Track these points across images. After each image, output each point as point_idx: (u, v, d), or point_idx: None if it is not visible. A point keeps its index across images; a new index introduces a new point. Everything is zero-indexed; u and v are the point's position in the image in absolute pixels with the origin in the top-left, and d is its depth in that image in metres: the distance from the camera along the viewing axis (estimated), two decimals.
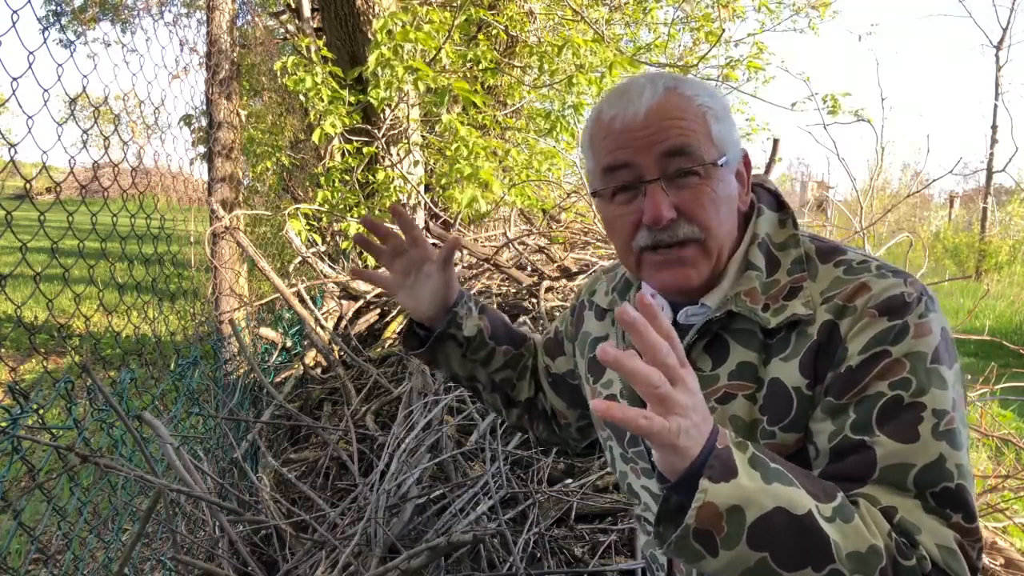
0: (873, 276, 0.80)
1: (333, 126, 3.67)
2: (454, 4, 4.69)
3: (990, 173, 14.96)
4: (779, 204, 0.92)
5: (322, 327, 3.08)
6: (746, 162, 0.90)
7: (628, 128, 0.82)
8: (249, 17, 7.93)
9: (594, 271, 3.31)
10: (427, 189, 4.26)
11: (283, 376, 3.07)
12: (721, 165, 0.83)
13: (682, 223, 0.82)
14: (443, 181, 3.92)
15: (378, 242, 1.10)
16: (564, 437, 1.21)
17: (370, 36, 3.80)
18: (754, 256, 0.86)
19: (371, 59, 3.55)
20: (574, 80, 4.45)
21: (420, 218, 4.17)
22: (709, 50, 6.53)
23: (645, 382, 0.61)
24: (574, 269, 3.44)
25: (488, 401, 1.19)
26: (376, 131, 3.90)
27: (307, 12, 5.07)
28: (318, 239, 3.87)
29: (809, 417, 0.80)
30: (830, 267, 0.83)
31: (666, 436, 0.62)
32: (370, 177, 3.94)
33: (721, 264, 0.86)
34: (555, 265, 3.56)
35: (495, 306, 3.13)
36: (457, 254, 3.75)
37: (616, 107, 0.84)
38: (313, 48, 3.86)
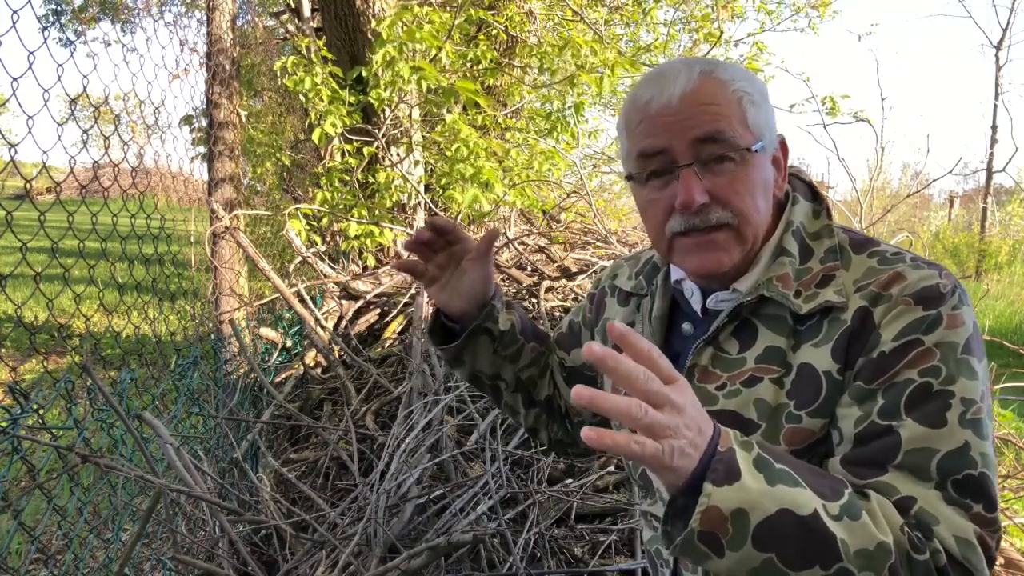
0: (908, 266, 0.80)
1: (333, 126, 3.67)
2: (454, 4, 4.69)
3: (990, 173, 14.97)
4: (814, 194, 0.92)
5: (322, 327, 3.08)
6: (783, 148, 0.89)
7: (663, 113, 0.82)
8: (249, 17, 7.94)
9: (594, 270, 3.32)
10: (427, 189, 4.26)
11: (283, 376, 3.08)
12: (756, 151, 0.83)
13: (715, 208, 0.82)
14: (443, 181, 3.92)
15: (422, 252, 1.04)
16: (576, 436, 1.20)
17: (370, 36, 3.80)
18: (788, 243, 0.87)
19: (377, 57, 3.54)
20: (575, 80, 4.46)
21: (420, 218, 4.17)
22: (708, 51, 6.53)
23: (626, 416, 0.59)
24: (574, 269, 3.44)
25: (508, 403, 1.16)
26: (376, 131, 3.91)
27: (307, 12, 5.07)
28: (318, 239, 3.87)
29: (836, 402, 0.80)
30: (864, 257, 0.84)
31: (659, 459, 0.61)
32: (370, 177, 3.94)
33: (755, 250, 0.86)
34: (555, 265, 3.56)
35: None
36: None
37: (652, 91, 0.84)
38: (313, 48, 3.86)
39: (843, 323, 0.80)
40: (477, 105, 3.96)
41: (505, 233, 4.27)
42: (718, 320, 0.87)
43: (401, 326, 3.19)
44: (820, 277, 0.83)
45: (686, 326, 0.94)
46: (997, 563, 1.79)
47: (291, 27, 6.27)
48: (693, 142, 0.81)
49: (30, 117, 1.69)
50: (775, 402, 0.83)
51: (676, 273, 0.96)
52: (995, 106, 14.52)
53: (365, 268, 3.92)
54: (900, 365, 0.75)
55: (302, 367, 3.03)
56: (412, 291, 3.26)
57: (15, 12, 1.66)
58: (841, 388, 0.79)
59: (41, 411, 1.61)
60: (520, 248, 3.75)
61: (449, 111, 4.00)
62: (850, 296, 0.81)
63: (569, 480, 2.09)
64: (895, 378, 0.75)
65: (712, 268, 0.85)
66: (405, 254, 4.01)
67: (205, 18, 5.32)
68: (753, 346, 0.85)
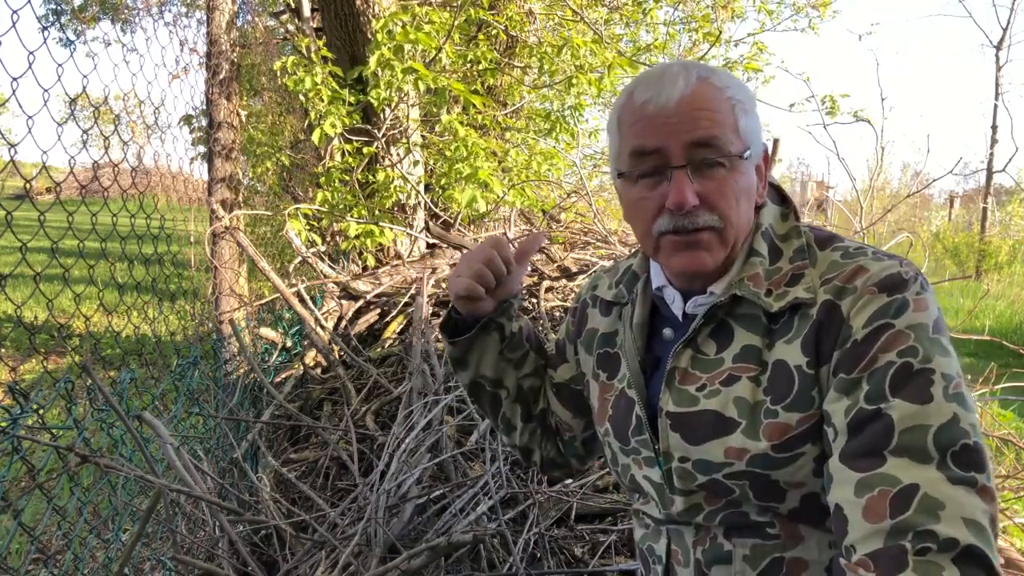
0: (870, 259, 0.83)
1: (333, 126, 3.67)
2: (454, 4, 4.69)
3: (990, 173, 14.98)
4: (781, 198, 0.95)
5: (322, 327, 3.08)
6: (765, 157, 0.92)
7: (659, 114, 0.83)
8: (249, 17, 7.93)
9: (593, 271, 3.31)
10: (427, 189, 4.26)
11: (283, 376, 3.07)
12: (745, 158, 0.85)
13: (703, 211, 0.84)
14: (443, 181, 3.92)
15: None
16: (568, 456, 1.19)
17: (370, 36, 3.80)
18: (758, 244, 0.89)
19: (372, 60, 3.55)
20: (574, 81, 4.46)
21: (420, 218, 4.17)
22: (708, 50, 6.54)
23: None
24: (574, 269, 3.44)
25: (506, 414, 1.14)
26: (376, 131, 3.90)
27: (307, 12, 5.06)
28: (318, 239, 3.87)
29: (811, 397, 0.81)
30: (828, 252, 0.86)
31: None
32: (370, 177, 3.94)
33: (735, 253, 0.89)
34: (555, 265, 3.56)
35: None
36: (457, 254, 3.77)
37: (649, 91, 0.85)
38: (313, 48, 3.86)
39: (810, 318, 0.82)
40: (475, 105, 3.97)
41: (505, 233, 4.27)
42: (695, 322, 0.89)
43: (401, 326, 3.19)
44: (790, 276, 0.86)
45: (667, 331, 0.96)
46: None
47: (291, 27, 6.27)
48: (688, 145, 0.83)
49: (30, 117, 1.69)
50: (753, 399, 0.84)
51: (656, 280, 0.97)
52: (995, 106, 14.55)
53: (365, 268, 3.92)
54: (875, 349, 0.77)
55: (302, 367, 3.02)
56: (412, 291, 3.26)
57: (15, 12, 1.66)
58: (814, 381, 0.81)
59: (41, 411, 1.61)
60: None
61: (448, 111, 4.00)
62: (817, 291, 0.83)
63: (569, 480, 2.09)
64: (874, 363, 0.77)
65: (696, 267, 0.87)
66: (405, 254, 4.01)
67: (205, 18, 5.32)
68: (730, 346, 0.87)
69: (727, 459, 0.85)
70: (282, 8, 6.85)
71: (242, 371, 3.03)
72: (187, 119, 6.04)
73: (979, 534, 0.68)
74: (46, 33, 1.82)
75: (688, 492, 0.90)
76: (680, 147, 0.83)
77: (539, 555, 1.78)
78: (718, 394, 0.86)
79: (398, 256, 3.97)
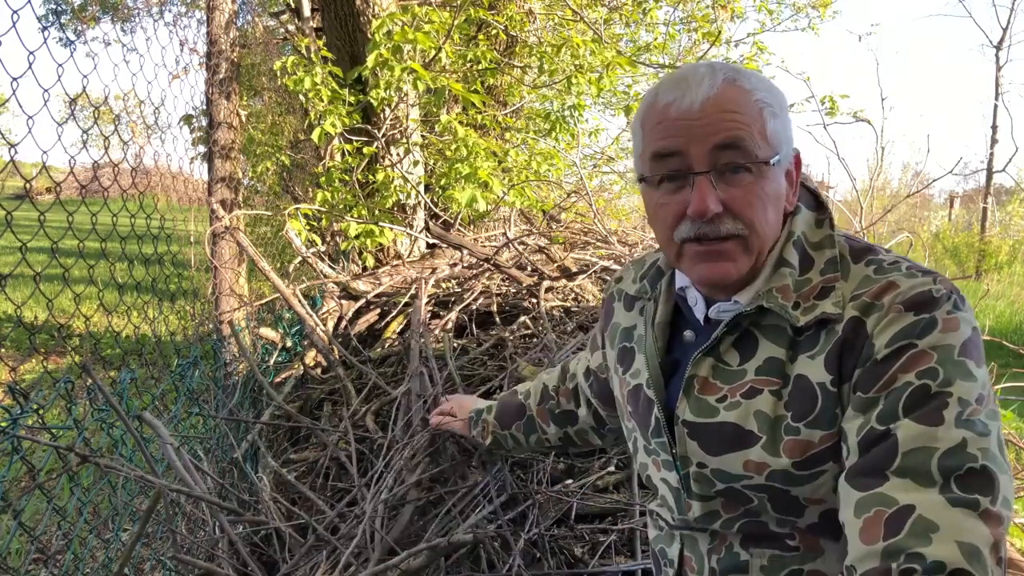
0: (902, 275, 0.79)
1: (333, 126, 3.67)
2: (454, 4, 4.69)
3: (990, 173, 14.97)
4: (817, 203, 0.91)
5: (322, 328, 3.08)
6: (797, 162, 0.88)
7: (683, 117, 0.80)
8: (249, 17, 7.93)
9: (594, 270, 3.32)
10: (427, 189, 4.26)
11: (283, 376, 3.07)
12: (773, 164, 0.82)
13: (727, 219, 0.81)
14: (443, 181, 3.92)
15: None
16: (608, 442, 1.37)
17: (370, 36, 3.80)
18: (788, 254, 0.85)
19: (369, 60, 3.56)
20: (573, 80, 4.46)
21: (420, 218, 4.17)
22: (708, 50, 6.54)
23: None
24: (574, 269, 3.44)
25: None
26: (376, 131, 3.90)
27: (307, 12, 5.06)
28: (317, 239, 3.87)
29: (834, 414, 0.79)
30: (861, 266, 0.83)
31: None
32: (370, 177, 3.94)
33: (760, 262, 0.86)
34: (555, 265, 3.56)
35: (495, 306, 3.13)
36: (457, 254, 3.77)
37: (673, 93, 0.82)
38: (313, 48, 3.86)
39: (836, 334, 0.79)
40: (475, 105, 3.97)
41: (505, 233, 4.27)
42: (718, 331, 0.86)
43: (401, 326, 3.19)
44: (819, 289, 0.82)
45: (688, 333, 0.94)
46: None
47: (291, 27, 6.26)
48: (712, 149, 0.80)
49: (30, 117, 1.69)
50: (774, 414, 0.82)
51: (680, 280, 0.95)
52: (995, 106, 14.53)
53: (365, 268, 3.92)
54: (894, 369, 0.74)
55: (302, 367, 3.02)
56: (412, 291, 3.26)
57: (15, 12, 1.66)
58: (837, 400, 0.79)
59: (41, 411, 1.61)
60: (520, 248, 3.74)
61: (448, 111, 4.00)
62: (845, 307, 0.80)
63: (569, 480, 2.09)
64: (893, 383, 0.74)
65: (719, 278, 0.84)
66: (405, 254, 4.02)
67: (205, 18, 5.32)
68: (753, 357, 0.85)
69: (746, 472, 0.83)
70: (282, 8, 6.85)
71: (242, 371, 3.03)
72: (187, 119, 6.03)
73: (974, 558, 0.65)
74: (46, 33, 1.82)
75: (706, 498, 0.89)
76: (703, 151, 0.79)
77: (539, 555, 1.78)
78: (738, 407, 0.84)
79: (398, 256, 3.97)
